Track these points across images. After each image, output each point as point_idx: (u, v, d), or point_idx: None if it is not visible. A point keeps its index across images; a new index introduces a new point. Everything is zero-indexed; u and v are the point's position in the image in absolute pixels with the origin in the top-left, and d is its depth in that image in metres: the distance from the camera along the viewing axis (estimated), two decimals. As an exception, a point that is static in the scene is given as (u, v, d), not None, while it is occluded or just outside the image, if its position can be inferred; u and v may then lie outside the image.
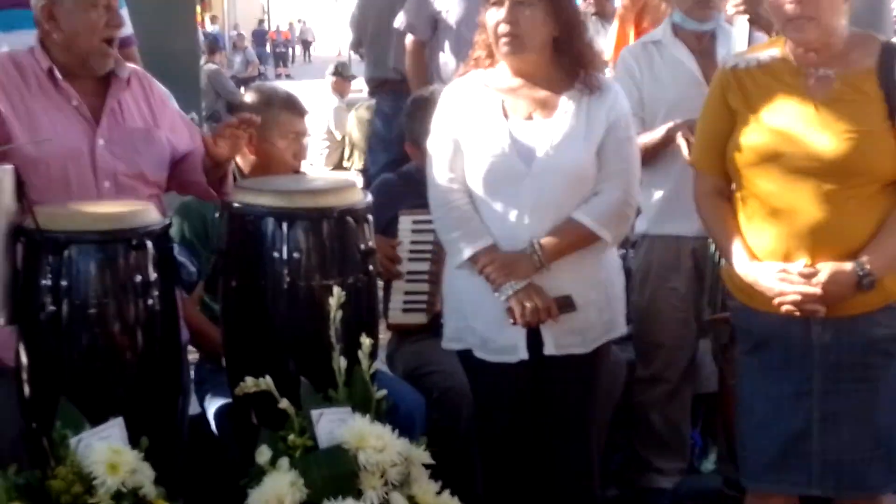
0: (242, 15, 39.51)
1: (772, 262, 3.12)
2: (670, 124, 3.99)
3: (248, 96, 4.20)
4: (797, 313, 3.08)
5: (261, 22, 26.95)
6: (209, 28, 24.41)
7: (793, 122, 3.11)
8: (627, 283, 4.33)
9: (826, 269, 3.05)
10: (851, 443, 3.15)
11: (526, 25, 3.35)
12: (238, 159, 4.03)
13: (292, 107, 4.06)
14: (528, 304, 3.33)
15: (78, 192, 3.36)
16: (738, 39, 4.19)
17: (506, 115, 3.41)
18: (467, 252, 3.40)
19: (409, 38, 6.05)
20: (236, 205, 3.34)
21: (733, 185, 3.26)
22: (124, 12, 5.30)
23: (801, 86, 3.14)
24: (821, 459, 3.18)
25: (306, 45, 46.61)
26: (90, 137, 3.43)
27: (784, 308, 3.09)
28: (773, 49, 3.25)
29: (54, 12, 3.39)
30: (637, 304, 4.32)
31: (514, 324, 3.36)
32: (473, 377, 3.62)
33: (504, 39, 3.36)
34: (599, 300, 3.46)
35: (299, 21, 48.31)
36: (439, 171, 3.47)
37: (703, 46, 4.17)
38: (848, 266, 3.04)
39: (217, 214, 3.48)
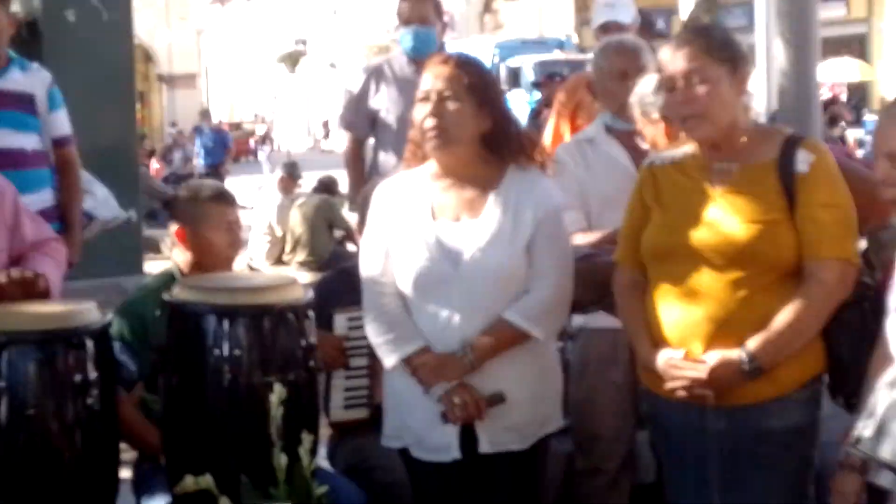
0: (182, 111, 39.61)
1: (667, 350, 3.21)
2: (608, 230, 4.03)
3: (179, 193, 4.24)
4: (688, 397, 3.17)
5: (205, 115, 26.70)
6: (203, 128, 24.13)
7: (695, 213, 3.21)
8: (565, 376, 4.37)
9: (713, 355, 3.13)
10: None
11: (452, 120, 3.37)
12: (176, 256, 4.05)
13: (221, 198, 4.08)
14: (457, 400, 3.33)
15: None
16: None
17: (433, 217, 3.43)
18: (399, 355, 3.42)
19: (348, 137, 6.13)
20: (177, 302, 3.35)
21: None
22: (63, 113, 5.38)
23: (704, 179, 3.26)
24: None
25: (264, 140, 46.93)
26: None
27: (677, 393, 3.18)
28: (687, 145, 3.35)
29: None
30: (575, 397, 4.34)
31: (447, 422, 3.36)
32: (412, 475, 3.61)
33: (430, 134, 3.38)
34: (535, 395, 3.46)
35: (261, 118, 48.78)
36: (370, 274, 3.49)
37: (636, 142, 4.26)
38: (734, 353, 3.11)
39: (158, 312, 3.48)
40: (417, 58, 5.70)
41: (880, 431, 2.78)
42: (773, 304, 3.13)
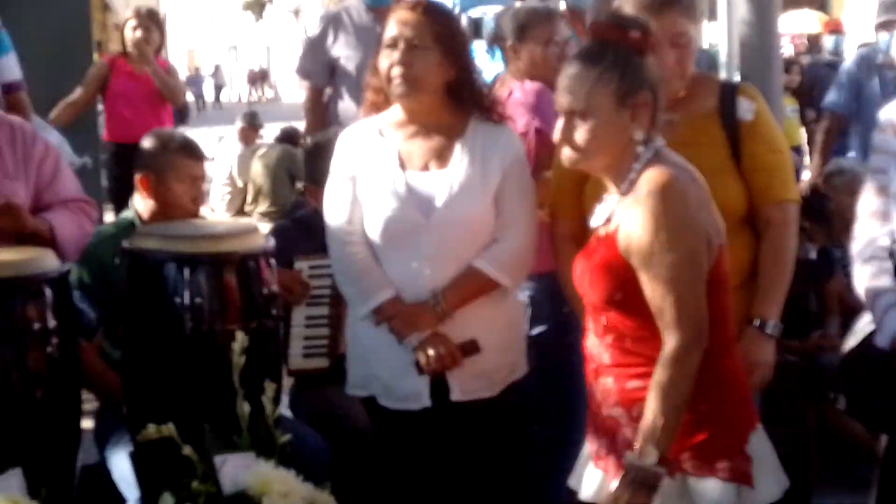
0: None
1: None
2: None
3: (146, 141, 4.17)
4: None
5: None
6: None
7: None
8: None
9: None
10: None
11: (420, 67, 3.34)
12: (137, 204, 4.01)
13: (189, 151, 4.04)
14: (431, 352, 3.32)
15: None
16: None
17: (402, 166, 3.40)
18: (370, 305, 3.38)
19: (306, 85, 6.08)
20: (137, 250, 3.31)
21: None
22: (12, 57, 5.30)
23: None
24: None
25: (219, 90, 46.50)
26: None
27: None
28: None
29: None
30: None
31: (422, 374, 3.35)
32: (378, 425, 3.61)
33: (397, 80, 3.35)
34: (503, 342, 3.45)
35: (216, 67, 48.49)
36: (337, 222, 3.46)
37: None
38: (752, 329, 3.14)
39: (117, 260, 3.45)
40: (376, 6, 5.69)
41: None
42: (732, 252, 3.13)
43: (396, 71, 3.35)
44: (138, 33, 7.10)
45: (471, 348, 3.35)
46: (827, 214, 5.27)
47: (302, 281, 4.05)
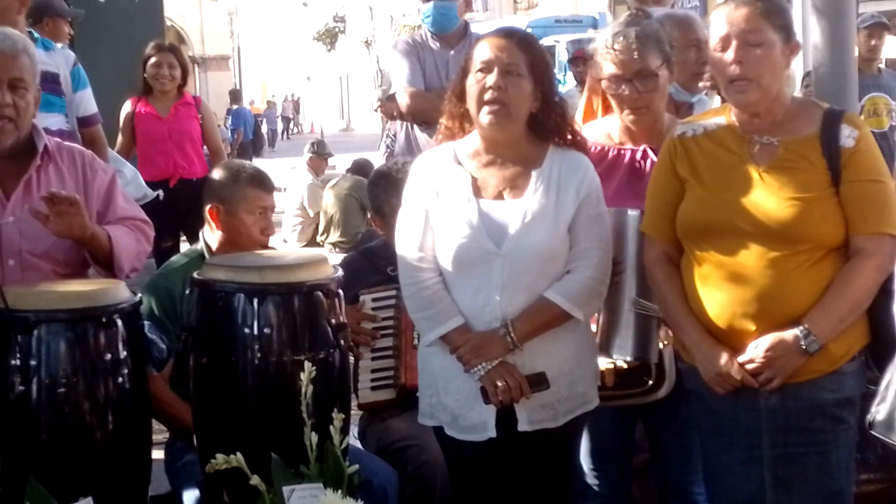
0: (214, 94, 39.68)
1: (716, 351, 3.16)
2: None
3: (216, 173, 4.20)
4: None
5: (236, 97, 26.63)
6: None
7: (738, 189, 3.16)
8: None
9: (767, 339, 3.08)
10: None
11: (513, 94, 3.32)
12: (207, 235, 4.04)
13: (259, 182, 4.07)
14: (500, 384, 3.28)
15: None
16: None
17: (476, 194, 3.38)
18: (438, 332, 3.36)
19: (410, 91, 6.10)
20: (206, 281, 3.34)
21: (684, 251, 3.30)
22: (88, 92, 5.38)
23: (745, 153, 3.20)
24: None
25: (287, 121, 47.00)
26: None
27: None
28: (719, 117, 3.30)
29: None
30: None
31: (489, 404, 3.33)
32: (447, 454, 3.59)
33: (491, 107, 3.31)
34: (571, 374, 3.41)
35: (292, 96, 48.97)
36: (409, 248, 3.44)
37: (680, 117, 4.19)
38: (790, 333, 3.06)
39: (187, 291, 3.47)
40: (439, 32, 5.72)
41: (891, 417, 2.81)
42: (820, 281, 3.09)
43: (491, 95, 3.31)
44: (164, 70, 7.17)
45: (539, 382, 3.32)
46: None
47: (370, 322, 4.05)
